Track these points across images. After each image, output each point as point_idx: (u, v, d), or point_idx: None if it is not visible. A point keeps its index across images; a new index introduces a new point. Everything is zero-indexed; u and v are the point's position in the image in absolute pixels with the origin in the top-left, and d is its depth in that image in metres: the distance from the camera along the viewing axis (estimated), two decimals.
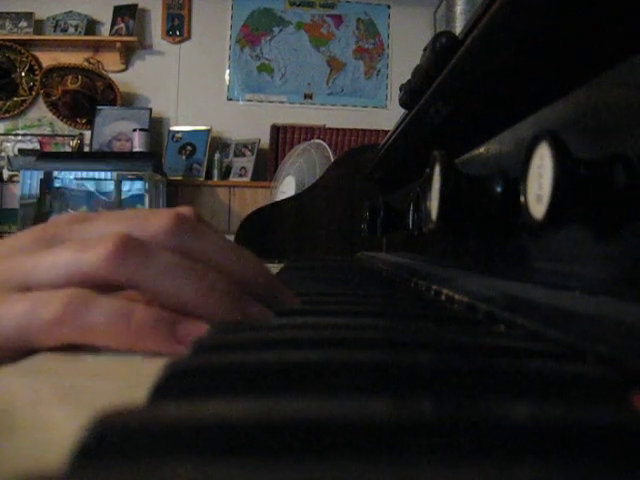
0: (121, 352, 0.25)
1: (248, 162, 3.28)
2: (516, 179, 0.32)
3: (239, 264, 0.30)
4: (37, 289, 0.26)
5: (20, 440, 0.14)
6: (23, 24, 3.33)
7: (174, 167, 3.21)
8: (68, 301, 0.25)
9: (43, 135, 3.38)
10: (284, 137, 3.27)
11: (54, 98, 3.33)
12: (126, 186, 3.02)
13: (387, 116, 3.23)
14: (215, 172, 3.25)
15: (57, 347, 0.25)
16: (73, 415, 0.16)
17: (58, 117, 3.37)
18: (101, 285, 0.26)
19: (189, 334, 0.25)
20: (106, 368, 0.23)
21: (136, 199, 2.98)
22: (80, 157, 3.16)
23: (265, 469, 0.10)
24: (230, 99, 3.45)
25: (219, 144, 3.34)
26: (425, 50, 0.50)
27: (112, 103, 3.36)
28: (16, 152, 3.27)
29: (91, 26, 3.38)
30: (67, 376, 0.22)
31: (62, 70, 3.32)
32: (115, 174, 2.95)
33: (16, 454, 0.13)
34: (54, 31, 3.34)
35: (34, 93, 3.35)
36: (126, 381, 0.21)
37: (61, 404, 0.18)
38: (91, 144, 3.35)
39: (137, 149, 3.19)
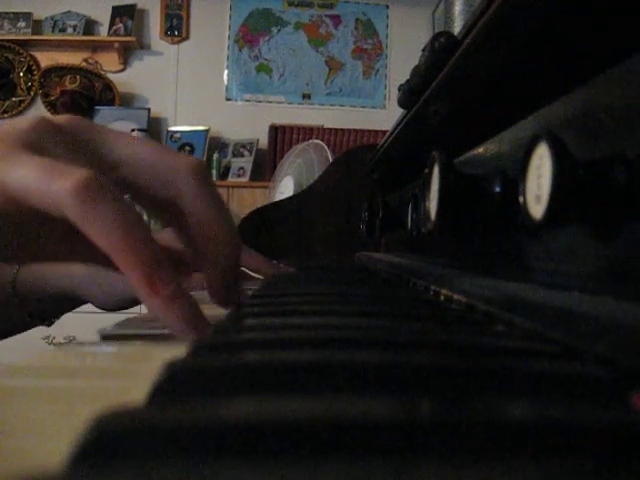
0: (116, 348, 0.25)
1: (246, 162, 3.28)
2: (515, 179, 0.32)
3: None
4: None
5: (20, 440, 0.14)
6: (21, 24, 3.32)
7: None
8: (87, 178, 0.25)
9: None
10: (282, 137, 3.26)
11: (52, 98, 3.33)
12: None
13: (386, 116, 3.23)
14: (213, 172, 3.24)
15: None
16: (72, 415, 0.16)
17: None
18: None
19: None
20: (106, 368, 0.23)
21: None
22: None
23: (264, 469, 0.10)
24: (228, 99, 3.45)
25: (217, 144, 3.33)
26: (424, 50, 0.50)
27: (110, 103, 3.36)
28: None
29: (89, 26, 3.38)
30: (67, 376, 0.22)
31: (60, 70, 3.31)
32: None
33: (16, 454, 0.13)
34: (52, 31, 3.33)
35: (32, 93, 3.34)
36: (126, 381, 0.21)
37: (60, 404, 0.18)
38: None
39: None
